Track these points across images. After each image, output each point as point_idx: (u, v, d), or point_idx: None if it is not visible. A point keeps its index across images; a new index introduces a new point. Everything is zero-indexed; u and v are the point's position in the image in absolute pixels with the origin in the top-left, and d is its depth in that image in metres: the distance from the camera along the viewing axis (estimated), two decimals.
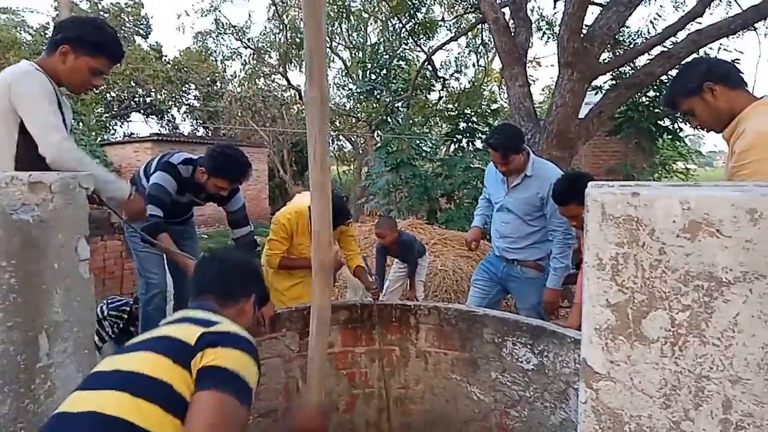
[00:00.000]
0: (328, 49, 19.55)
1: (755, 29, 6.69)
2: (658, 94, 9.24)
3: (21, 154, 1.96)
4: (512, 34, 6.10)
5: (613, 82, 8.23)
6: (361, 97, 13.61)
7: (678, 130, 10.11)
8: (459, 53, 25.05)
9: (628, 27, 9.43)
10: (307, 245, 3.38)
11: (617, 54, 8.11)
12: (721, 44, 7.44)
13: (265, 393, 2.92)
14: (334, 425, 3.18)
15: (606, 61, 6.80)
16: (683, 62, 5.59)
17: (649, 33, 9.09)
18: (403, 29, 12.37)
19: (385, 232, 4.49)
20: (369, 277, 3.43)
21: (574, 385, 2.62)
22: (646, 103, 9.61)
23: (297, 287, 3.32)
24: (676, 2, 9.79)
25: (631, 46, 8.76)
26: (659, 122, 9.86)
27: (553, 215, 3.09)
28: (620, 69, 7.87)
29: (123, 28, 21.06)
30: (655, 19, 9.09)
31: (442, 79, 12.32)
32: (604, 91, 6.73)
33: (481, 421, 2.97)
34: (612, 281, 0.88)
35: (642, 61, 6.91)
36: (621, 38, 8.96)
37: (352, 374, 3.20)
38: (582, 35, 5.57)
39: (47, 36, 20.31)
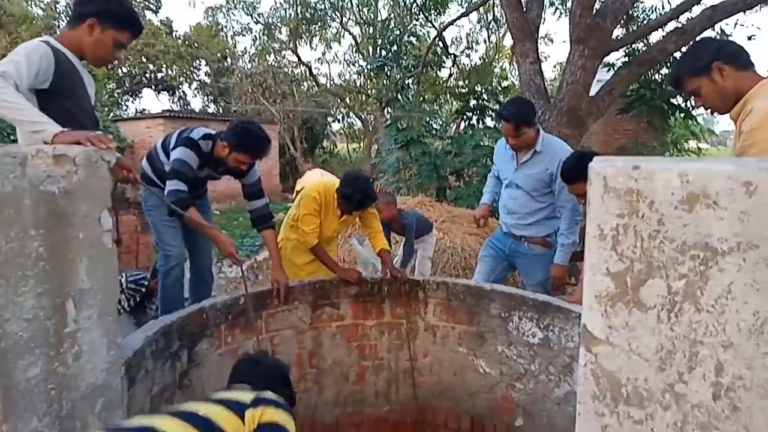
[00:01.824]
0: (338, 24, 19.38)
1: None
2: (670, 71, 9.10)
3: None
4: (524, 9, 6.04)
5: (626, 59, 8.13)
6: (372, 73, 13.52)
7: (691, 109, 9.96)
8: (470, 29, 24.73)
9: (642, 2, 9.26)
10: (333, 224, 3.46)
11: (631, 30, 7.98)
12: (737, 20, 7.32)
13: None
14: (345, 395, 3.28)
15: (618, 37, 6.70)
16: (697, 39, 5.52)
17: (663, 8, 8.94)
18: (414, 4, 12.22)
19: (381, 207, 4.54)
20: (392, 261, 3.47)
21: (578, 359, 2.69)
22: (659, 80, 9.48)
23: (314, 263, 3.39)
24: None
25: (646, 22, 8.61)
26: (672, 100, 9.74)
27: (562, 192, 3.11)
28: (633, 46, 7.76)
29: (133, 2, 20.95)
30: None
31: (452, 56, 12.20)
32: (615, 69, 6.65)
33: (488, 393, 3.06)
34: (612, 251, 0.92)
35: (655, 37, 6.82)
36: (635, 14, 8.81)
37: (362, 346, 3.29)
38: (594, 11, 5.50)
39: (58, 11, 20.36)
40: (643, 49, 7.48)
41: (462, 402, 3.16)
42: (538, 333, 2.86)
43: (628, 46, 7.37)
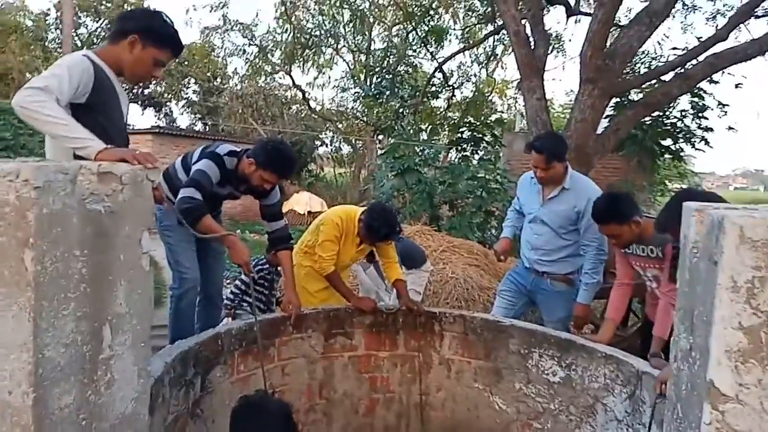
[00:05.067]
0: (332, 51, 19.55)
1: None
2: (662, 114, 9.40)
3: None
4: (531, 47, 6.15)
5: (617, 100, 8.33)
6: (369, 101, 13.56)
7: (680, 150, 10.24)
8: (461, 62, 25.05)
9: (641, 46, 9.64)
10: (350, 252, 3.39)
11: (629, 73, 8.22)
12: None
13: (288, 393, 2.92)
14: (353, 428, 3.18)
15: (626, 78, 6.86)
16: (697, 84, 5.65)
17: (656, 53, 9.25)
18: (412, 34, 12.39)
19: None
20: (408, 292, 3.39)
21: (603, 400, 2.64)
22: (650, 122, 9.74)
23: (327, 290, 3.32)
24: (684, 26, 9.92)
25: (640, 64, 8.86)
26: (661, 141, 10.00)
27: (588, 230, 3.10)
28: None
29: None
30: (662, 39, 9.25)
31: (451, 88, 12.36)
32: (618, 109, 6.78)
33: (503, 431, 2.99)
34: (746, 304, 0.89)
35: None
36: (635, 59, 9.08)
37: (374, 378, 3.21)
38: (604, 52, 5.63)
39: (48, 22, 20.18)
40: (638, 93, 7.69)
41: None
42: (559, 371, 2.81)
43: (639, 87, 7.53)
